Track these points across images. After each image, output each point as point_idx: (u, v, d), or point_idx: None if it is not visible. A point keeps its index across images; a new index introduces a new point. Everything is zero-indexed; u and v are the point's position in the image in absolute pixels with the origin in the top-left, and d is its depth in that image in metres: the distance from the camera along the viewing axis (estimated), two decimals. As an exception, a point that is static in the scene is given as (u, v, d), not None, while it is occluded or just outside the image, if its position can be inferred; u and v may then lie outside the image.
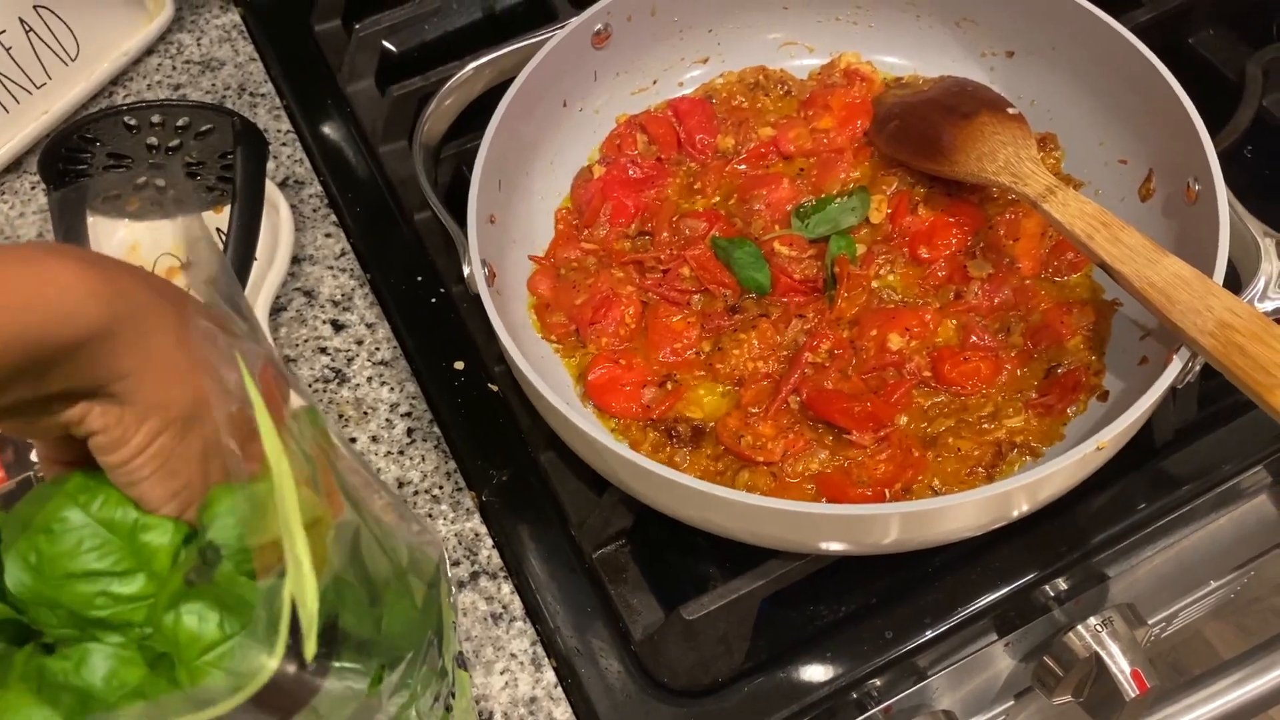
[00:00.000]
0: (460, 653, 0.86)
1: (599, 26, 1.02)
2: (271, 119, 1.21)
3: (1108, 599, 0.98)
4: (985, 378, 0.91)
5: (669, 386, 0.93)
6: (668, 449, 0.90)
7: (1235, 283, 0.85)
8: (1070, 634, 0.96)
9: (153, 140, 1.02)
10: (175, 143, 1.03)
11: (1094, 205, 0.88)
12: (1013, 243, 0.97)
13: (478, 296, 0.87)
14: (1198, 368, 0.80)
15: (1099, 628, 0.96)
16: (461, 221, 0.91)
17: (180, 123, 1.01)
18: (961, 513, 0.78)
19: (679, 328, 0.95)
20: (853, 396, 0.90)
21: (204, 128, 1.02)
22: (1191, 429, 0.95)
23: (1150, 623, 1.06)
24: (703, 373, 0.94)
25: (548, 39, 1.00)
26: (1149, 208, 0.96)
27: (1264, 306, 0.84)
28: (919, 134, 1.01)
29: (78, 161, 1.02)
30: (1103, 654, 0.95)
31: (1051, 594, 0.94)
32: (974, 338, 0.93)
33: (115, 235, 1.10)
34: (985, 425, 0.89)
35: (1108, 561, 0.93)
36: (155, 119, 1.01)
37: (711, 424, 0.91)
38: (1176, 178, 0.92)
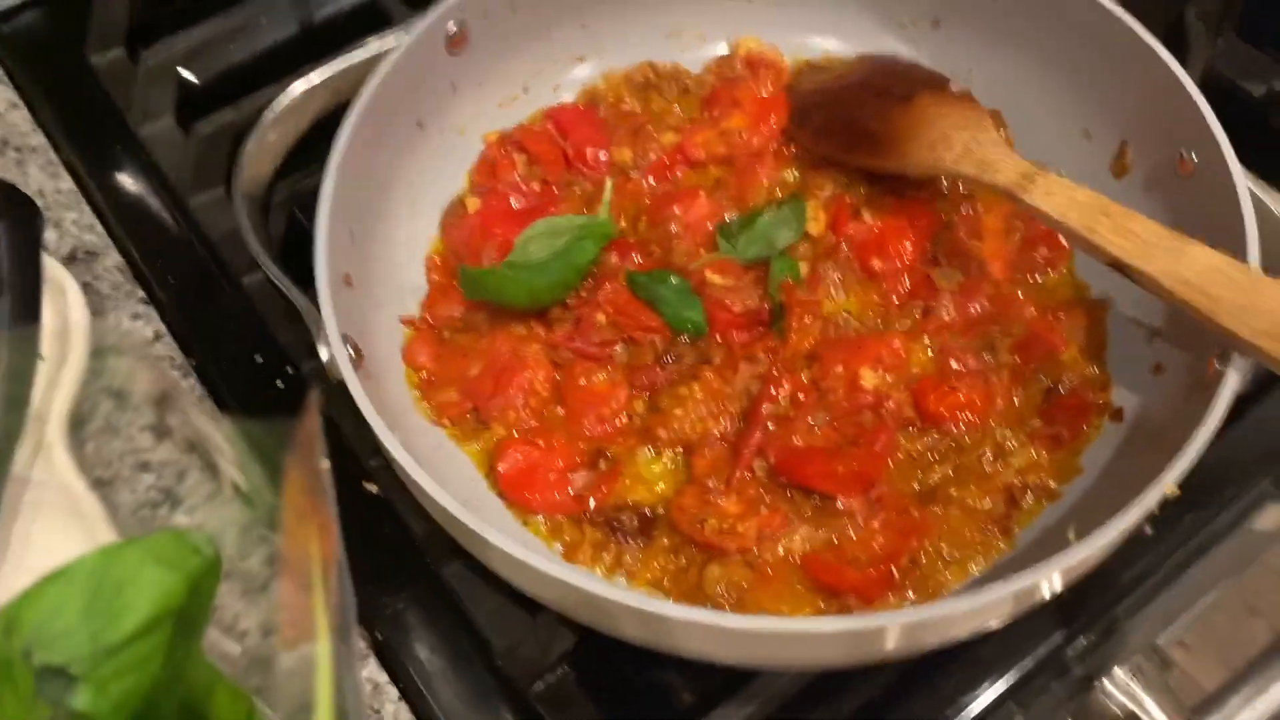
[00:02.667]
0: None
1: (452, 28, 0.81)
2: (47, 177, 0.94)
3: (1127, 642, 0.83)
4: (977, 409, 0.74)
5: (602, 466, 0.72)
6: (613, 548, 0.70)
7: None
8: (1097, 692, 0.80)
9: (-124, 221, 0.76)
10: (-92, 221, 0.76)
11: (1086, 190, 0.71)
12: (977, 243, 0.80)
13: (341, 383, 0.65)
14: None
15: (1129, 680, 0.80)
16: (308, 288, 0.68)
17: (-89, 195, 0.75)
18: (992, 608, 0.60)
19: (603, 389, 0.75)
20: (829, 453, 0.71)
21: (-52, 198, 0.76)
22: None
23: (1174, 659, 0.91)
24: (641, 442, 0.74)
25: (391, 49, 0.78)
26: (1126, 186, 0.80)
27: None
28: (850, 125, 0.83)
29: None
30: (1140, 712, 0.79)
31: (1071, 653, 0.78)
32: (955, 362, 0.75)
33: None
34: (989, 467, 0.72)
35: (1134, 607, 0.77)
36: (-124, 192, 0.74)
37: (663, 507, 0.71)
38: (1159, 148, 0.77)
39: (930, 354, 0.76)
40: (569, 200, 0.84)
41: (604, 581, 0.60)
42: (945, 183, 0.83)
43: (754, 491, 0.70)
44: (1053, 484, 0.72)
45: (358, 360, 0.68)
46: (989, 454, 0.72)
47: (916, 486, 0.72)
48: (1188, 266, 0.65)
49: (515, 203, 0.82)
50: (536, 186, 0.84)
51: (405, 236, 0.82)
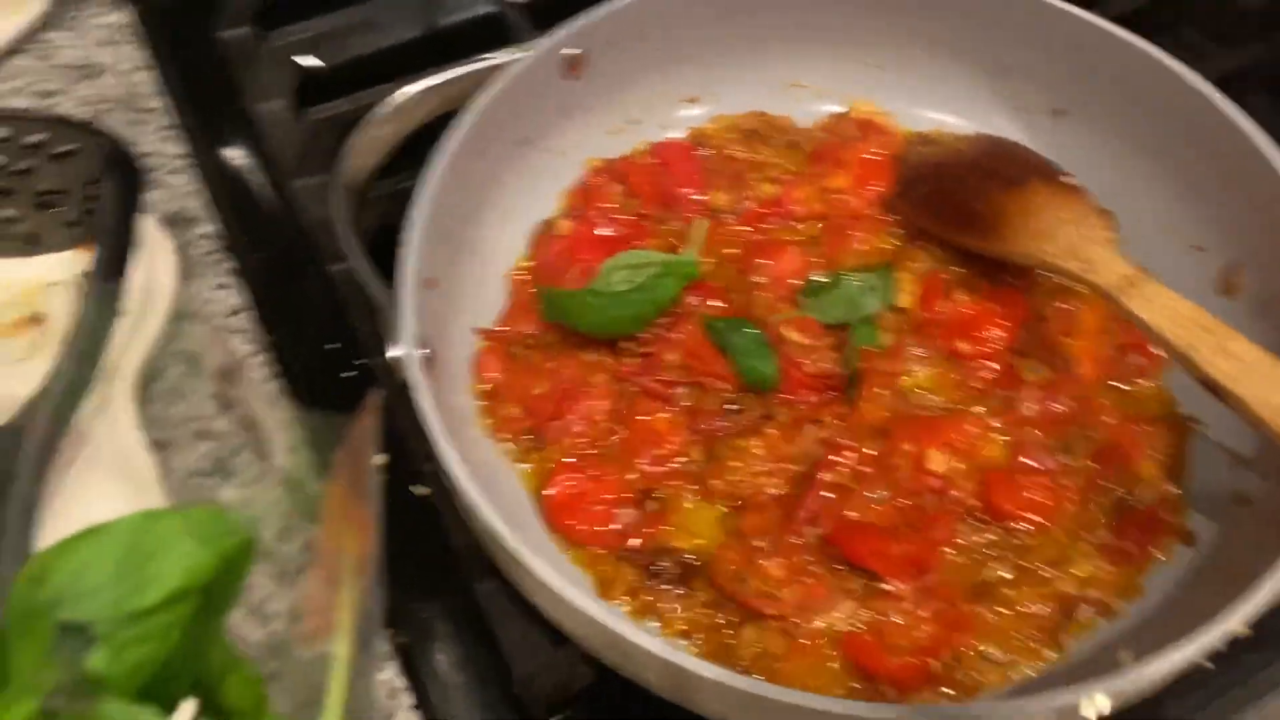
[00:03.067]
0: None
1: (574, 52, 0.81)
2: (160, 140, 0.96)
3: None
4: (1045, 510, 0.71)
5: (649, 507, 0.71)
6: (648, 591, 0.68)
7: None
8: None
9: (-2, 159, 0.78)
10: (25, 165, 0.78)
11: (1189, 304, 0.68)
12: (1069, 340, 0.78)
13: (406, 383, 0.65)
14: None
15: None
16: (390, 284, 0.68)
17: (32, 139, 0.77)
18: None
19: (662, 428, 0.73)
20: (885, 531, 0.69)
21: (64, 148, 0.78)
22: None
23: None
24: (693, 488, 0.72)
25: (510, 63, 0.78)
26: (1233, 306, 0.77)
27: None
28: (955, 201, 0.81)
29: (-108, 179, 0.77)
30: None
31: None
32: (1028, 459, 0.72)
33: (-54, 274, 0.84)
34: (1048, 573, 0.69)
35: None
36: (0, 132, 0.76)
37: (705, 559, 0.69)
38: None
39: (1004, 446, 0.73)
40: (658, 236, 0.83)
41: (637, 627, 0.58)
42: (1041, 274, 0.81)
43: (801, 559, 0.68)
44: (1113, 601, 0.68)
45: (428, 363, 0.67)
46: (1050, 559, 0.69)
47: (972, 579, 0.69)
48: None
49: (606, 231, 0.81)
50: (629, 218, 0.83)
51: (492, 249, 0.81)
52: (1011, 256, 0.77)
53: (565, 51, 0.81)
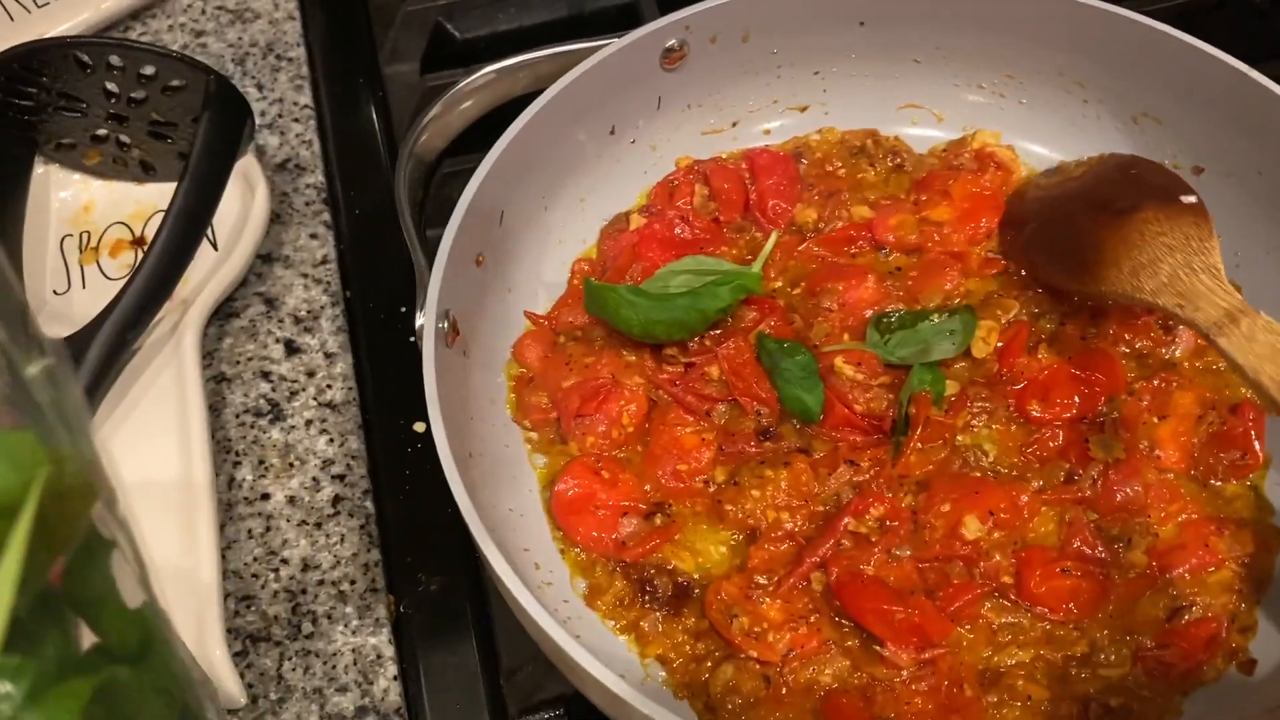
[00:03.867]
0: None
1: (672, 43, 0.78)
2: (292, 88, 0.99)
3: None
4: (1084, 602, 0.64)
5: (658, 520, 0.67)
6: (636, 608, 0.65)
7: None
8: None
9: (111, 86, 0.81)
10: (140, 94, 0.82)
11: None
12: (1157, 420, 0.70)
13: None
14: None
15: None
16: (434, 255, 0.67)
17: (145, 71, 0.80)
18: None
19: (689, 443, 0.70)
20: (897, 594, 0.63)
21: (175, 82, 0.81)
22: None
23: None
24: (706, 511, 0.68)
25: (603, 45, 0.76)
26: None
27: None
28: (1061, 240, 0.74)
29: (23, 96, 0.82)
30: None
31: None
32: (1079, 543, 0.65)
33: (66, 189, 0.89)
34: (1073, 670, 0.62)
35: None
36: (114, 60, 0.80)
37: (702, 585, 0.66)
38: None
39: (1055, 525, 0.67)
40: (734, 245, 0.79)
41: (579, 644, 0.54)
42: (1147, 341, 0.73)
43: (802, 605, 0.64)
44: (1139, 714, 0.61)
45: (451, 335, 0.66)
46: (1078, 657, 0.62)
47: (985, 661, 0.63)
48: None
49: (680, 231, 0.78)
50: (706, 222, 0.79)
51: (560, 233, 0.79)
52: (1110, 297, 0.70)
53: (665, 43, 0.77)
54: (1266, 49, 0.93)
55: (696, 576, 0.66)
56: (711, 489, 0.69)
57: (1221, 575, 0.65)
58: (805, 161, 0.83)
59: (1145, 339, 0.73)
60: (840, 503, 0.67)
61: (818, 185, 0.81)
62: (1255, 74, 0.71)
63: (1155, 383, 0.71)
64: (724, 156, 0.84)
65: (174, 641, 0.45)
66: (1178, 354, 0.72)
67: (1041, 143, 0.83)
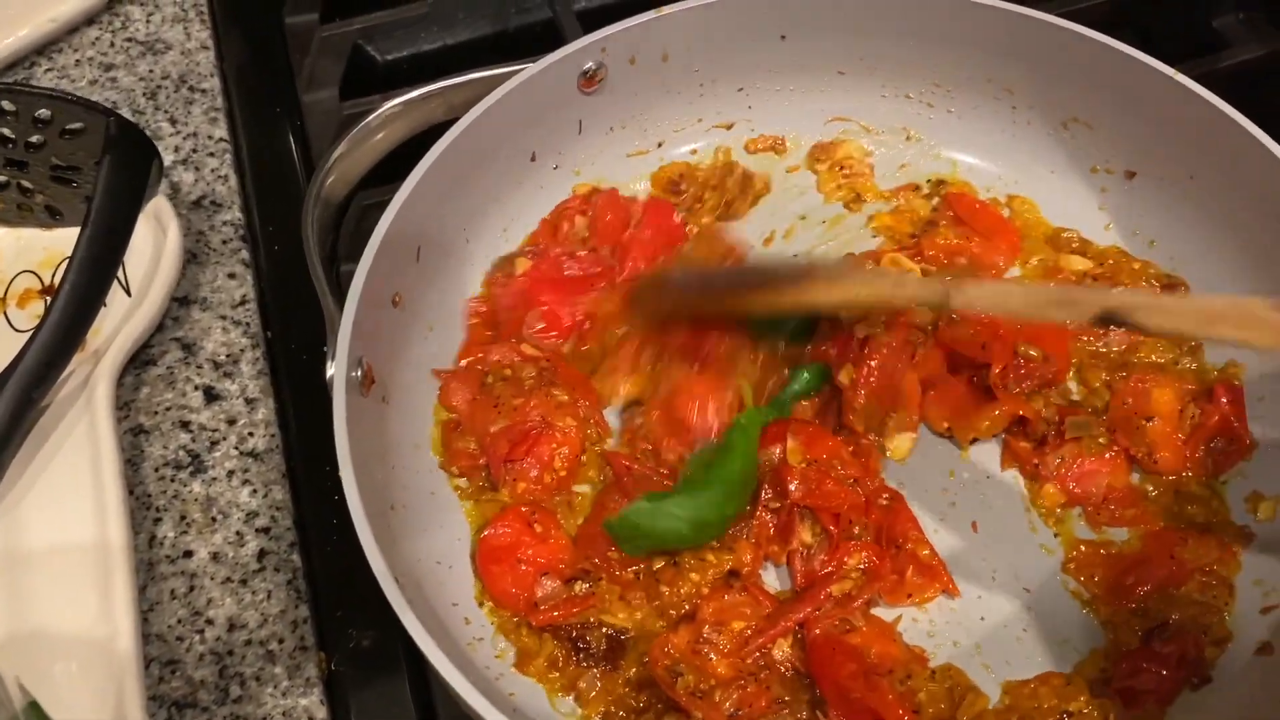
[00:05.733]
0: None
1: (589, 65, 0.75)
2: (207, 120, 0.95)
3: None
4: None
5: (578, 588, 0.64)
6: (571, 668, 0.62)
7: None
8: None
9: (6, 131, 0.77)
10: (37, 139, 0.77)
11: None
12: (1146, 424, 0.67)
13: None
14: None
15: None
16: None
17: (39, 114, 0.76)
18: None
19: None
20: (868, 672, 0.59)
21: (73, 125, 0.76)
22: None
23: None
24: (638, 593, 0.64)
25: (518, 71, 0.73)
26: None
27: None
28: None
29: (-87, 143, 0.77)
30: None
31: None
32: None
33: (-31, 239, 0.85)
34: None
35: None
36: (4, 105, 0.75)
37: (636, 633, 0.63)
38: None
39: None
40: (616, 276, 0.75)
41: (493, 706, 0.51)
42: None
43: (752, 660, 0.61)
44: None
45: (366, 384, 0.63)
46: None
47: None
48: None
49: (569, 271, 0.74)
50: (592, 256, 0.75)
51: (484, 265, 0.76)
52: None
53: (582, 66, 0.74)
54: (1193, 46, 0.92)
55: (629, 629, 0.63)
56: (641, 578, 0.65)
57: (1189, 588, 0.62)
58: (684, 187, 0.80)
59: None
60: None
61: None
62: (1181, 77, 0.70)
63: (1132, 383, 0.69)
64: (651, 176, 0.81)
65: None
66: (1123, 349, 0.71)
67: (972, 152, 0.81)
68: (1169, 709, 0.58)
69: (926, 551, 0.64)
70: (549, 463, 0.67)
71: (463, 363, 0.72)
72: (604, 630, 0.62)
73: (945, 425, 0.68)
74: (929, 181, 0.80)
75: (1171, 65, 0.76)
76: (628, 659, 0.62)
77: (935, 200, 0.79)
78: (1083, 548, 0.64)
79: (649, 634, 0.62)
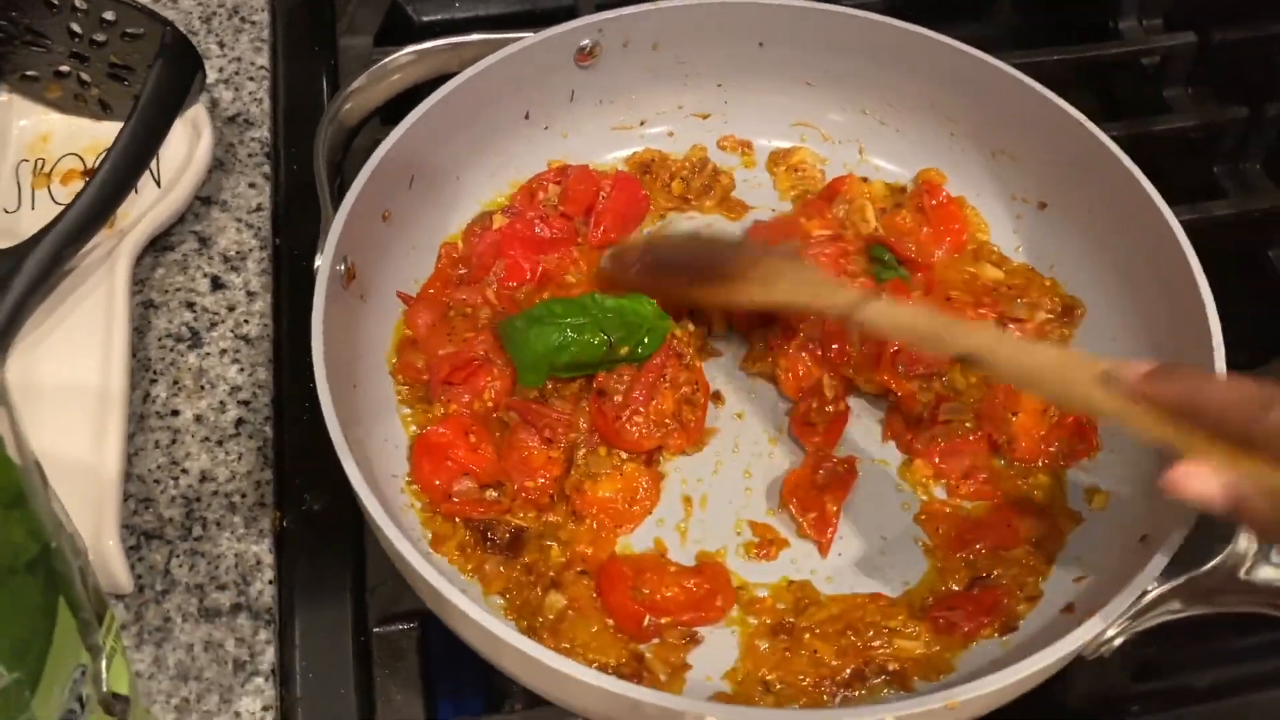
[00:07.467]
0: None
1: (586, 42, 0.85)
2: (252, 49, 1.05)
3: None
4: None
5: (489, 494, 0.73)
6: (478, 554, 0.71)
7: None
8: None
9: (75, 27, 0.88)
10: (101, 37, 0.88)
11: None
12: (1013, 417, 0.76)
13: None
14: (1119, 640, 0.60)
15: None
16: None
17: (106, 15, 0.86)
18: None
19: (537, 461, 0.75)
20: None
21: (134, 29, 0.87)
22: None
23: None
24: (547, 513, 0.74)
25: (523, 38, 0.83)
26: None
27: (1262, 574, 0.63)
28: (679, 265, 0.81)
29: (-8, 27, 0.88)
30: None
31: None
32: None
33: (27, 118, 0.95)
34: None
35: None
36: (79, 4, 0.86)
37: (538, 534, 0.72)
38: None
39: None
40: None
41: (467, 600, 0.60)
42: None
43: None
44: (911, 672, 0.68)
45: (347, 278, 0.73)
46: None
47: (786, 612, 0.70)
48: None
49: (540, 231, 0.83)
50: (561, 221, 0.84)
51: (469, 204, 0.86)
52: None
53: (579, 42, 0.84)
54: (1137, 108, 1.02)
55: (530, 526, 0.72)
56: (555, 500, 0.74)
57: (1016, 552, 0.72)
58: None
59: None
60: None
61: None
62: (1089, 124, 0.79)
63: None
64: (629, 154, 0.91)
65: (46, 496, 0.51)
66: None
67: (910, 168, 0.90)
68: (972, 644, 0.68)
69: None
70: (480, 392, 0.76)
71: (429, 291, 0.81)
72: (508, 527, 0.72)
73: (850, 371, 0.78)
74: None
75: (1114, 122, 0.86)
76: (527, 550, 0.71)
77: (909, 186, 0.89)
78: (936, 507, 0.74)
79: (551, 528, 0.72)
